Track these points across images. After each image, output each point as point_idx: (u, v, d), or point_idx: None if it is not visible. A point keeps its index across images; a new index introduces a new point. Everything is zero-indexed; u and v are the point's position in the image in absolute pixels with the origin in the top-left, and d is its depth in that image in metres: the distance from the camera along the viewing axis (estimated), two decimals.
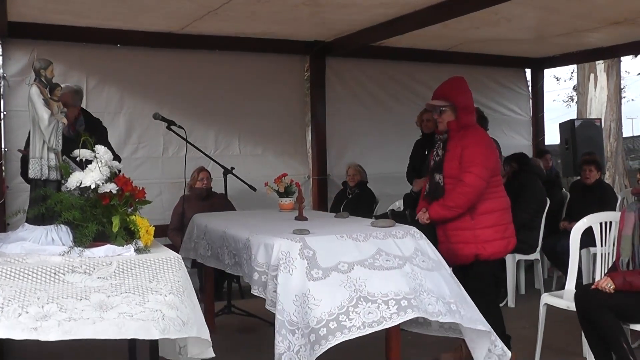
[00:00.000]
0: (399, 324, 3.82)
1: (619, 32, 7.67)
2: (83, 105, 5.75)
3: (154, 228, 3.41)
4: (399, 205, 6.97)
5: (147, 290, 2.96)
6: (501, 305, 6.44)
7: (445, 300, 3.95)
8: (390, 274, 3.86)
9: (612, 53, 9.98)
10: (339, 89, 8.44)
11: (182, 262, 3.27)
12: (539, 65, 10.04)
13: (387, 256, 3.97)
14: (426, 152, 7.22)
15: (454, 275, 4.26)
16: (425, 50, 8.50)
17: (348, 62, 8.44)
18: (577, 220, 5.10)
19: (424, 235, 4.23)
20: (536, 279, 7.13)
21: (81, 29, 6.71)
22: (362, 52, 8.12)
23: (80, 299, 2.82)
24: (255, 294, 3.96)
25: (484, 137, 4.80)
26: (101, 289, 2.90)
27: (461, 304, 4.03)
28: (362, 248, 3.95)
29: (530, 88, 10.28)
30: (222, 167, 6.34)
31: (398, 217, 5.62)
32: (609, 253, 4.93)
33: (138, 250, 3.27)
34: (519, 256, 6.71)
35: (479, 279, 4.71)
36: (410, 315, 3.74)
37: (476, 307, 4.11)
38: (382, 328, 3.69)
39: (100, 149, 3.46)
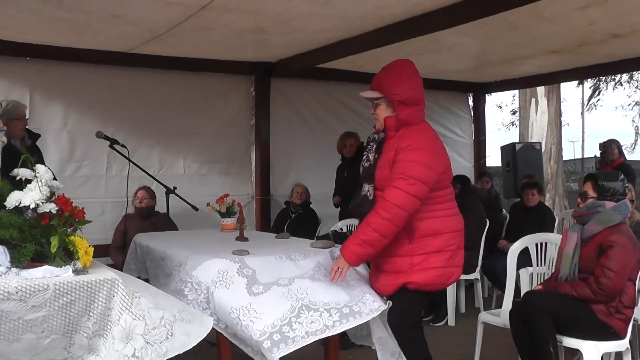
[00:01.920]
0: (339, 333, 3.79)
1: (557, 60, 7.95)
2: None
3: (93, 249, 3.39)
4: (341, 226, 7.06)
5: (74, 330, 2.95)
6: (441, 323, 6.62)
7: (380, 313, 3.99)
8: (330, 285, 3.87)
9: (551, 79, 10.32)
10: (284, 109, 8.52)
11: (121, 283, 3.26)
12: (481, 90, 10.32)
13: (325, 271, 3.98)
14: (345, 175, 7.46)
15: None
16: (369, 73, 8.61)
17: (293, 82, 8.53)
18: (516, 240, 5.29)
19: None
20: (476, 298, 7.29)
21: (25, 45, 6.63)
22: (307, 73, 8.22)
23: (12, 342, 2.77)
24: None
25: (427, 138, 3.84)
26: (33, 326, 2.84)
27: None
28: (301, 265, 3.98)
29: (472, 112, 10.54)
30: (165, 186, 6.35)
31: (340, 238, 5.71)
32: (545, 272, 5.11)
33: (76, 271, 3.25)
34: None
35: (403, 312, 3.89)
36: (353, 323, 3.74)
37: None
38: (325, 336, 3.68)
39: (40, 168, 3.44)
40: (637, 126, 34.84)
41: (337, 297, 3.81)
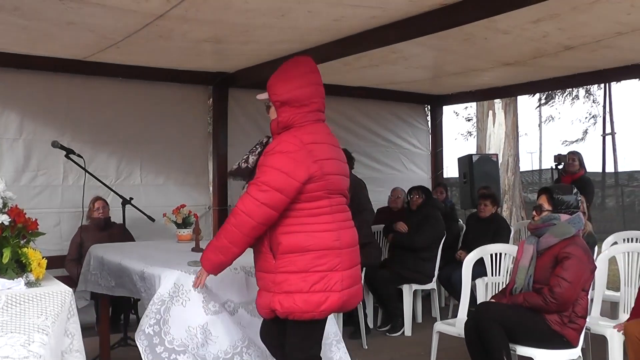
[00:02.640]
0: None
1: (512, 72, 8.07)
2: None
3: (46, 261, 3.37)
4: None
5: (33, 329, 2.93)
6: (398, 334, 6.67)
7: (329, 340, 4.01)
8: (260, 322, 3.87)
9: (507, 92, 10.44)
10: (241, 119, 8.50)
11: (73, 296, 3.24)
12: (438, 102, 10.43)
13: None
14: None
15: None
16: (327, 84, 8.65)
17: (251, 93, 8.41)
18: (472, 251, 5.37)
19: None
20: (433, 308, 7.36)
21: None
22: (265, 83, 8.18)
23: None
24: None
25: (297, 142, 3.41)
26: None
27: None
28: (252, 285, 3.93)
29: (429, 123, 10.65)
30: (121, 197, 6.29)
31: None
32: (500, 282, 5.19)
33: (29, 284, 3.23)
34: (415, 286, 6.93)
35: (292, 347, 3.48)
36: None
37: None
38: None
39: None
40: (586, 132, 35.58)
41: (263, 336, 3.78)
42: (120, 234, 6.47)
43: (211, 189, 8.45)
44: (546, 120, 33.99)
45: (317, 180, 3.38)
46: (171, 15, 5.13)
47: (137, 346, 5.68)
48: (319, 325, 3.49)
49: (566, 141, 34.40)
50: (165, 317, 3.73)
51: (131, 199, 6.36)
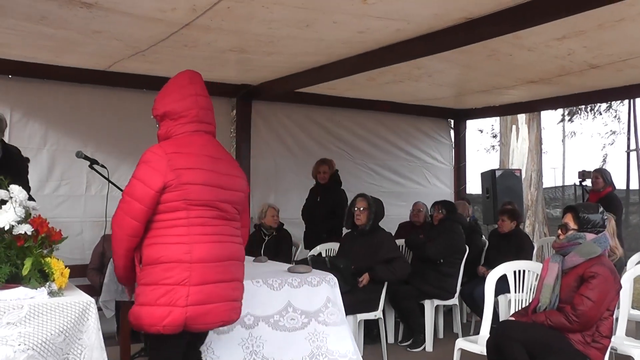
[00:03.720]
0: None
1: (536, 89, 8.03)
2: (6, 139, 5.65)
3: (68, 270, 3.37)
4: (319, 250, 7.04)
5: (50, 349, 2.92)
6: (419, 349, 6.61)
7: (346, 359, 4.00)
8: (291, 337, 3.90)
9: (531, 107, 10.41)
10: (264, 132, 8.53)
11: (95, 306, 3.23)
12: (462, 116, 10.39)
13: (293, 313, 3.99)
14: (318, 199, 7.62)
15: None
16: (351, 98, 8.71)
17: (274, 106, 8.57)
18: (494, 267, 5.30)
19: (338, 284, 4.30)
20: (454, 323, 7.29)
21: (6, 61, 6.59)
22: (288, 96, 8.28)
23: None
24: None
25: (152, 153, 3.41)
26: (8, 341, 2.83)
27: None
28: (273, 299, 3.97)
29: (452, 138, 10.60)
30: None
31: (317, 263, 5.72)
32: (523, 299, 5.13)
33: (51, 293, 3.22)
34: (437, 301, 6.87)
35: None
36: None
37: None
38: None
39: (14, 188, 3.41)
40: (605, 154, 35.25)
41: (294, 353, 3.83)
42: None
43: None
44: (569, 134, 33.65)
45: (173, 189, 3.31)
46: (196, 25, 5.17)
47: None
48: (171, 342, 3.37)
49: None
50: None
51: None
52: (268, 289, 4.01)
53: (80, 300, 3.19)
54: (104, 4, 4.71)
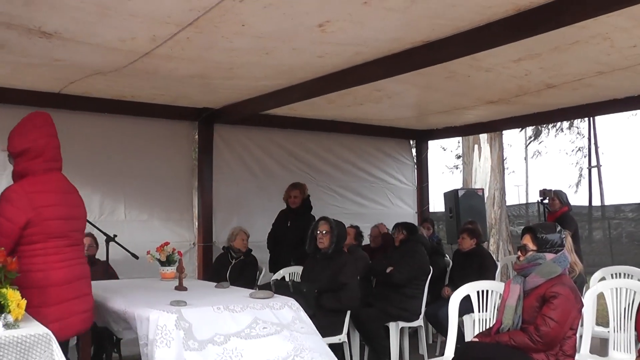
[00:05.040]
0: None
1: (495, 109, 8.14)
2: None
3: (25, 301, 3.31)
4: (283, 274, 7.01)
5: None
6: None
7: (331, 356, 3.99)
8: (268, 341, 3.90)
9: (492, 127, 10.53)
10: (227, 155, 8.49)
11: (53, 338, 3.17)
12: (423, 136, 10.47)
13: (264, 324, 4.00)
14: (288, 224, 7.60)
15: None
16: (312, 119, 8.72)
17: (236, 129, 8.52)
18: (459, 286, 5.33)
19: (301, 308, 4.29)
20: (420, 345, 7.28)
21: None
22: (250, 119, 8.25)
23: None
24: None
25: (13, 192, 3.84)
26: None
27: None
28: (239, 319, 3.97)
29: (415, 158, 10.68)
30: (104, 234, 6.20)
31: (280, 288, 5.69)
32: (487, 319, 5.14)
33: (7, 325, 3.16)
34: (402, 323, 6.86)
35: None
36: None
37: None
38: None
39: None
40: (581, 167, 36.00)
41: (275, 352, 3.81)
42: (103, 271, 6.37)
43: (196, 224, 8.39)
44: (534, 155, 34.26)
45: (35, 225, 3.79)
46: (157, 54, 5.17)
47: None
48: None
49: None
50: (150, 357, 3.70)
51: (115, 235, 6.26)
52: (230, 313, 3.99)
53: (37, 332, 3.13)
54: (63, 33, 4.68)
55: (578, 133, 34.73)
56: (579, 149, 35.63)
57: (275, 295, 4.37)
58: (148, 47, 5.00)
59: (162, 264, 5.51)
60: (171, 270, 5.44)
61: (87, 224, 6.24)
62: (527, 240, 4.54)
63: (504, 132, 15.37)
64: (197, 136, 8.45)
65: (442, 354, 5.36)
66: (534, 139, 33.14)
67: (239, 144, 8.60)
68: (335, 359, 4.08)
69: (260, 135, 8.81)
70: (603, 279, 6.34)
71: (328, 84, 6.21)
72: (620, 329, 5.07)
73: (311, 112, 8.18)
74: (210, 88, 6.74)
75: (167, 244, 5.58)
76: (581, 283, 5.55)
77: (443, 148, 31.62)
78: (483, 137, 14.30)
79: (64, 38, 4.76)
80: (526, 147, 37.01)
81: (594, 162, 37.50)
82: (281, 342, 3.92)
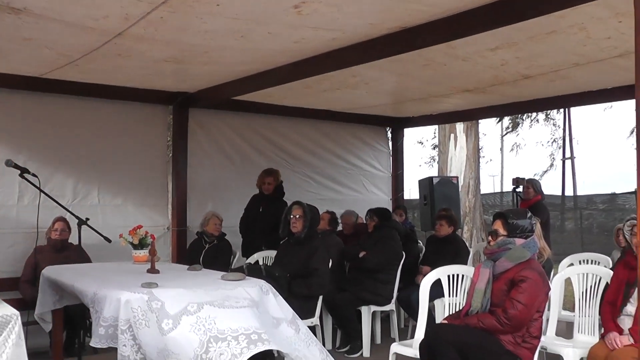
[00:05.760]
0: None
1: (471, 98, 8.18)
2: None
3: None
4: (257, 258, 7.03)
5: None
6: (357, 355, 6.65)
7: (301, 338, 4.07)
8: (240, 312, 3.94)
9: (469, 116, 10.61)
10: (202, 140, 8.46)
11: (18, 320, 3.17)
12: (400, 124, 10.51)
13: (236, 299, 4.02)
14: (260, 210, 7.59)
15: (307, 332, 4.34)
16: (289, 106, 8.72)
17: (211, 114, 8.49)
18: (433, 269, 5.40)
19: (272, 289, 4.31)
20: (392, 329, 7.36)
21: None
22: (227, 104, 8.22)
23: None
24: (98, 346, 3.91)
25: None
26: None
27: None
28: (211, 294, 3.98)
29: (391, 146, 10.72)
30: (77, 217, 6.15)
31: (253, 272, 5.71)
32: (458, 303, 5.21)
33: None
34: (374, 307, 6.93)
35: None
36: (261, 347, 3.79)
37: None
38: None
39: None
40: (553, 157, 36.38)
41: (247, 322, 3.84)
42: (76, 255, 6.32)
43: (170, 209, 8.36)
44: (512, 148, 34.58)
45: None
46: (129, 34, 5.10)
47: None
48: None
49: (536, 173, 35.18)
50: (138, 342, 3.74)
51: (87, 219, 6.21)
52: (202, 291, 4.01)
53: (3, 313, 3.12)
54: (33, 9, 4.59)
55: (553, 124, 35.09)
56: (554, 140, 36.00)
57: (247, 277, 4.39)
58: (121, 26, 4.92)
59: (135, 247, 5.50)
60: (144, 253, 5.42)
61: (60, 207, 6.31)
62: (498, 226, 4.61)
63: (480, 121, 15.46)
64: (172, 120, 8.41)
65: (412, 337, 5.42)
66: (512, 131, 33.39)
67: (214, 128, 8.57)
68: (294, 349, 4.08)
69: (237, 121, 8.79)
70: (571, 265, 6.46)
71: (304, 69, 6.20)
72: (585, 314, 5.17)
73: (288, 98, 8.16)
74: (185, 72, 6.70)
75: (140, 227, 5.56)
76: (549, 268, 5.65)
77: (420, 142, 31.78)
78: (459, 126, 14.39)
79: (34, 14, 4.66)
80: (502, 137, 37.32)
81: (568, 154, 37.97)
82: (251, 315, 3.94)
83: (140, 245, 5.46)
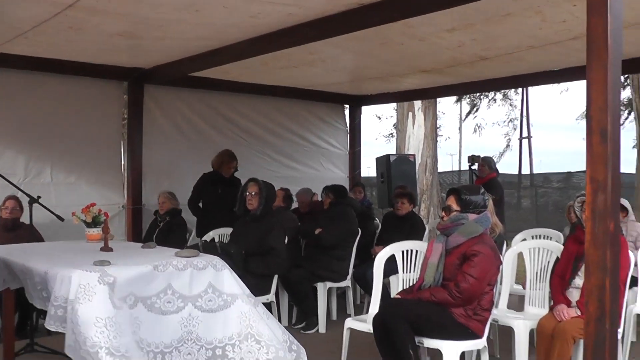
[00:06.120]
0: None
1: (429, 78, 8.23)
2: None
3: None
4: (212, 235, 7.00)
5: None
6: (312, 331, 6.69)
7: (211, 346, 4.07)
8: (163, 320, 3.94)
9: (427, 94, 10.67)
10: (158, 117, 8.36)
11: None
12: (357, 102, 10.54)
13: (172, 296, 4.02)
14: (219, 191, 7.55)
15: (263, 308, 4.35)
16: (247, 83, 8.66)
17: (167, 90, 8.38)
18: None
19: (227, 266, 4.30)
20: (347, 305, 7.41)
21: None
22: (183, 81, 8.12)
23: None
24: (52, 329, 3.85)
25: None
26: None
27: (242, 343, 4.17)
28: (156, 280, 3.98)
29: (348, 123, 10.73)
30: (28, 195, 6.04)
31: (208, 249, 5.69)
32: (413, 279, 5.28)
33: None
34: (329, 284, 6.96)
35: None
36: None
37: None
38: None
39: None
40: (509, 139, 36.88)
41: (160, 337, 3.91)
42: (28, 234, 6.21)
43: (125, 187, 8.26)
44: (475, 131, 35.05)
45: None
46: (81, 5, 4.98)
47: (44, 352, 5.57)
48: None
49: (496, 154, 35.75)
50: (75, 320, 3.65)
51: (39, 197, 6.09)
52: (152, 270, 3.98)
53: None
54: None
55: (510, 105, 35.54)
56: (510, 120, 36.47)
57: (200, 254, 4.37)
58: None
59: (88, 225, 5.41)
60: (97, 231, 5.34)
61: (11, 186, 6.19)
62: (452, 201, 4.67)
63: (438, 100, 15.57)
64: (126, 97, 8.29)
65: (367, 312, 5.47)
66: (470, 112, 33.73)
67: (170, 105, 8.47)
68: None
69: (193, 98, 8.70)
70: (524, 240, 6.58)
71: (261, 46, 6.17)
72: (537, 287, 5.28)
73: (245, 75, 8.10)
74: (140, 47, 6.59)
75: (93, 204, 5.47)
76: (501, 242, 5.74)
77: (378, 117, 31.91)
78: (417, 104, 14.45)
79: None
80: (461, 119, 37.71)
81: (525, 134, 38.51)
82: (174, 325, 3.97)
83: (94, 223, 5.37)
